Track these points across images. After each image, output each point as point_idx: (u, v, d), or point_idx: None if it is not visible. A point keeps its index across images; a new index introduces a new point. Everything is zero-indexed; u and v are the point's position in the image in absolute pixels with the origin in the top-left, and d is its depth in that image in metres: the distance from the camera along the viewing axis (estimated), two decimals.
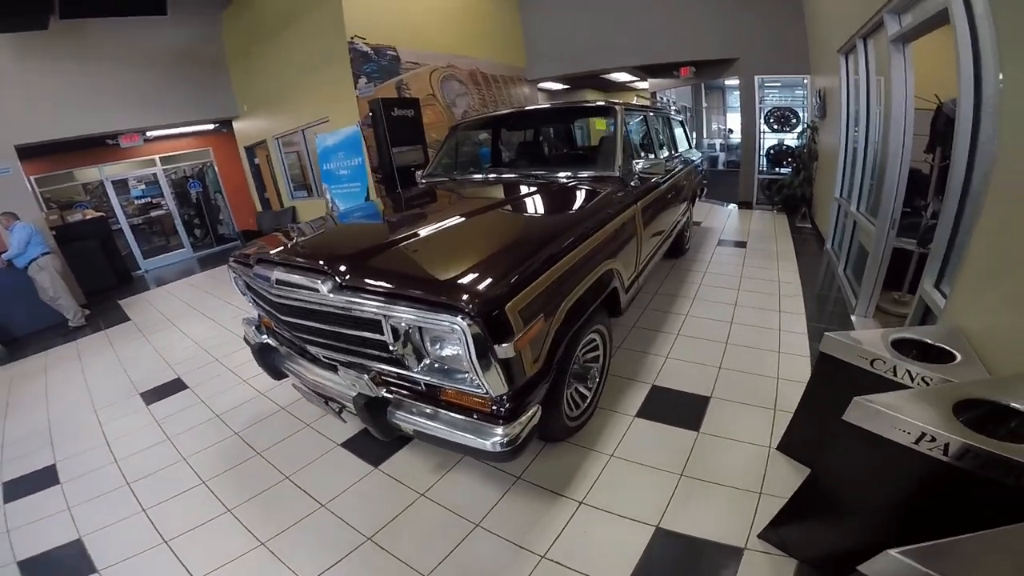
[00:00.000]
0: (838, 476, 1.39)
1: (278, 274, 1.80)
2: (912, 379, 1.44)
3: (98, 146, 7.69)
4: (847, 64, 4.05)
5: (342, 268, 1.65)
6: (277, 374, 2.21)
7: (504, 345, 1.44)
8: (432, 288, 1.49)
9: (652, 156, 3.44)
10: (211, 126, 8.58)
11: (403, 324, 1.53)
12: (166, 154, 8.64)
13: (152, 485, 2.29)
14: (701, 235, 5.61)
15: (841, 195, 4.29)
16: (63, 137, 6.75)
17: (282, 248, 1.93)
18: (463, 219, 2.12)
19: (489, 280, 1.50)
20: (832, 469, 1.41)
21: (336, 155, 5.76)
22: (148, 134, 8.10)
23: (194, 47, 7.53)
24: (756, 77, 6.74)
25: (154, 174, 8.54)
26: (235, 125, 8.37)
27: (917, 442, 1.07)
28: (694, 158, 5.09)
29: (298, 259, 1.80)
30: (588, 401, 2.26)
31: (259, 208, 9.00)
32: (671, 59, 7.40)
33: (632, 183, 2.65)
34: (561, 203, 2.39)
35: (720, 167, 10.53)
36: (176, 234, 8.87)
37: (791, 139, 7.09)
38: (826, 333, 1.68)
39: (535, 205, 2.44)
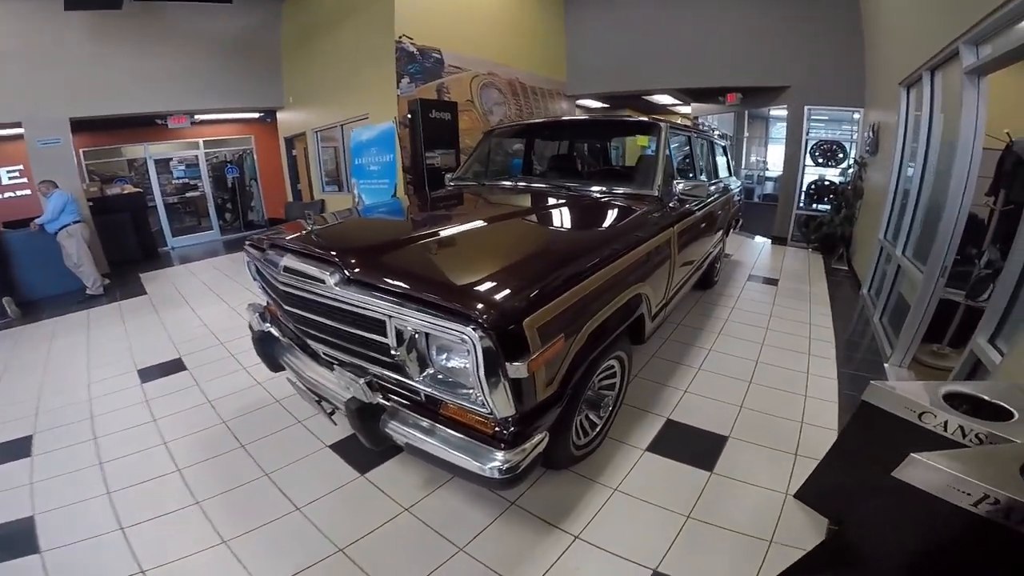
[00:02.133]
0: (873, 532, 1.27)
1: (287, 261, 1.73)
2: (964, 435, 1.31)
3: (146, 125, 7.97)
4: (908, 98, 3.85)
5: (352, 261, 1.57)
6: (275, 365, 2.13)
7: (517, 363, 1.31)
8: (444, 292, 1.38)
9: (693, 179, 3.31)
10: (256, 115, 8.81)
11: (409, 328, 1.42)
12: (209, 138, 8.89)
13: (124, 467, 2.22)
14: (731, 268, 5.39)
15: (886, 237, 4.04)
16: (117, 114, 7.01)
17: (297, 235, 1.87)
18: (487, 224, 2.03)
19: (508, 291, 1.38)
20: (867, 524, 1.29)
21: (369, 150, 5.78)
22: (196, 117, 8.37)
23: (253, 36, 7.76)
24: (806, 107, 6.52)
25: (195, 156, 8.80)
26: (279, 115, 8.57)
27: (977, 504, 0.98)
28: (733, 187, 4.92)
29: (310, 247, 1.73)
30: (598, 429, 2.11)
31: (290, 198, 9.16)
32: (718, 83, 7.25)
33: (671, 204, 2.50)
34: (593, 219, 2.27)
35: (756, 199, 10.24)
36: (207, 216, 9.08)
37: (833, 175, 6.83)
38: (872, 382, 1.51)
39: (565, 218, 2.32)
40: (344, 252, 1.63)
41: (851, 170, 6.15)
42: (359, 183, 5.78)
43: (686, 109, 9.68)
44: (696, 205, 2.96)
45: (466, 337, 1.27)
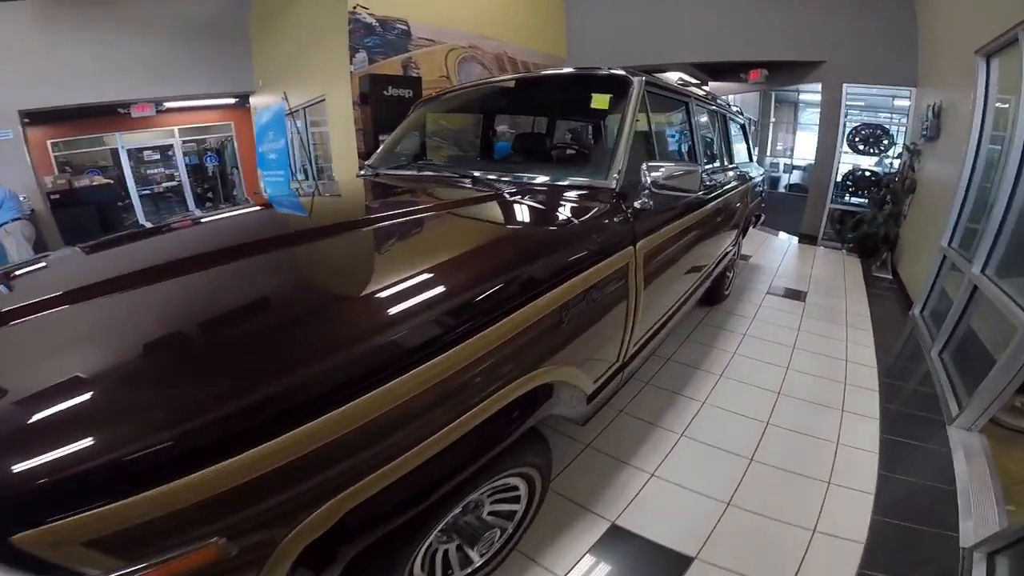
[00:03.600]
0: None
1: None
2: None
3: (121, 114, 7.48)
4: (988, 69, 2.88)
5: None
6: None
7: None
8: None
9: (685, 163, 2.42)
10: (233, 100, 8.22)
11: None
12: (187, 126, 8.37)
13: None
14: (748, 275, 4.47)
15: (951, 244, 3.09)
16: (74, 104, 6.50)
17: None
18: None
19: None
20: None
21: (267, 135, 4.99)
22: (170, 104, 7.83)
23: (221, 17, 7.12)
24: (844, 86, 5.46)
25: (171, 145, 8.29)
26: (252, 100, 7.94)
27: None
28: (754, 174, 4.00)
29: None
30: (475, 568, 1.35)
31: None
32: (739, 57, 6.23)
33: (638, 203, 1.65)
34: (448, 245, 1.22)
35: (781, 189, 9.13)
36: (185, 205, 8.59)
37: (869, 163, 5.79)
38: None
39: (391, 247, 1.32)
40: None
41: (897, 159, 5.13)
42: (264, 175, 5.05)
43: (704, 90, 8.65)
44: (693, 198, 2.11)
45: None
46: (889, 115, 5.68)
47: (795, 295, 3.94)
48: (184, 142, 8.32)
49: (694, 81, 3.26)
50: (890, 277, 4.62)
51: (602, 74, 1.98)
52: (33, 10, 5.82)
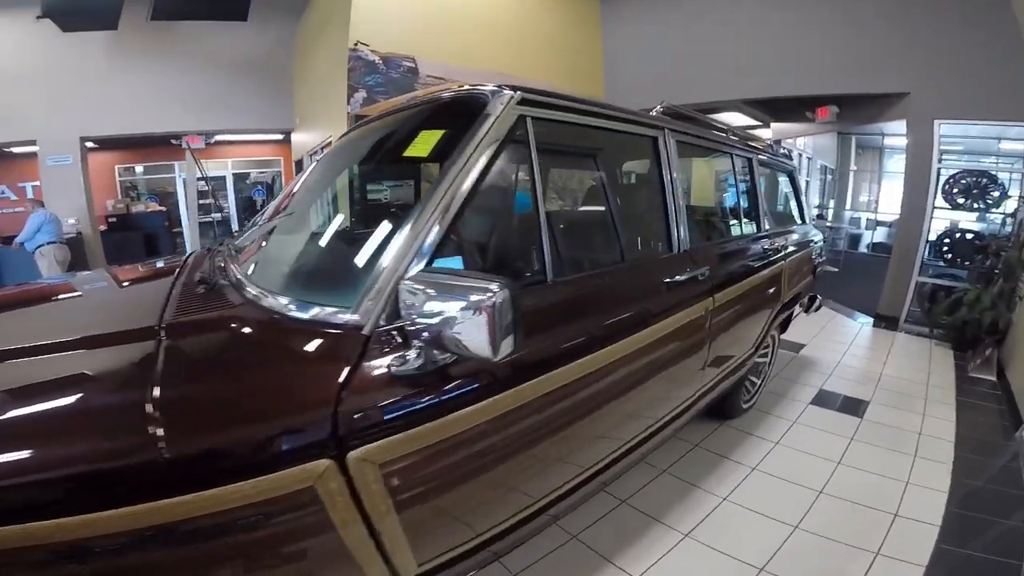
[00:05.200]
0: None
1: None
2: None
3: (174, 145, 8.02)
4: None
5: None
6: None
7: None
8: None
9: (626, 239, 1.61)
10: (281, 136, 8.56)
11: None
12: (239, 159, 8.82)
13: None
14: (794, 373, 3.41)
15: None
16: (129, 133, 7.01)
17: None
18: None
19: None
20: None
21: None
22: (225, 137, 8.29)
23: (267, 56, 7.47)
24: (936, 122, 4.39)
25: (223, 176, 8.75)
26: (293, 137, 8.20)
27: None
28: (814, 238, 3.14)
29: None
30: None
31: None
32: (803, 91, 5.32)
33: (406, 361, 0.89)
34: None
35: (863, 249, 7.75)
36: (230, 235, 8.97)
37: (971, 222, 4.59)
38: None
39: None
40: None
41: (1011, 217, 3.97)
42: None
43: (766, 132, 7.64)
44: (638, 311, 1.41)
45: None
46: (996, 160, 4.49)
47: (851, 407, 2.90)
48: (234, 174, 8.75)
49: (765, 133, 2.52)
50: (993, 379, 3.43)
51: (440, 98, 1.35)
52: (107, 39, 6.30)
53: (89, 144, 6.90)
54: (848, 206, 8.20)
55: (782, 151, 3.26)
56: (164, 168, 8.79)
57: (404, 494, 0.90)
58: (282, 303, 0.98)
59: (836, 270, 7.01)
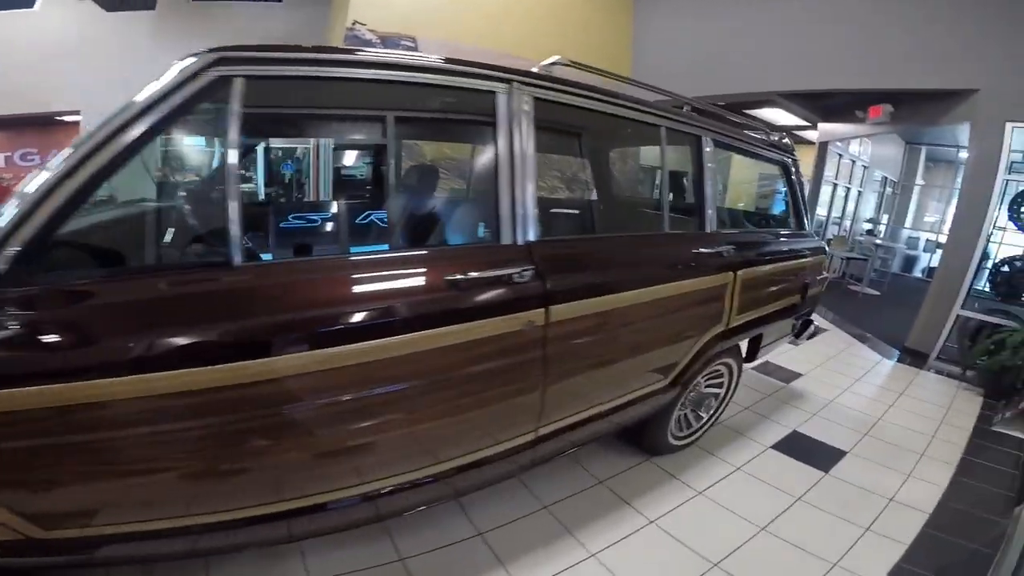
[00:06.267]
0: None
1: None
2: None
3: None
4: None
5: None
6: None
7: None
8: None
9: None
10: None
11: None
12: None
13: None
14: (772, 407, 2.95)
15: None
16: None
17: None
18: None
19: None
20: None
21: None
22: None
23: (298, 36, 7.60)
24: (1009, 125, 3.68)
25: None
26: None
27: None
28: (809, 250, 2.66)
29: None
30: None
31: None
32: (851, 85, 4.69)
33: None
34: None
35: (917, 273, 6.81)
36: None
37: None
38: None
39: None
40: None
41: None
42: None
43: (812, 134, 6.84)
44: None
45: None
46: None
47: (821, 457, 2.44)
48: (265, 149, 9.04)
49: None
50: (1021, 436, 2.84)
51: None
52: (148, 19, 6.67)
53: None
54: (908, 224, 7.23)
55: (778, 138, 2.71)
56: None
57: None
58: None
59: (877, 293, 6.20)
